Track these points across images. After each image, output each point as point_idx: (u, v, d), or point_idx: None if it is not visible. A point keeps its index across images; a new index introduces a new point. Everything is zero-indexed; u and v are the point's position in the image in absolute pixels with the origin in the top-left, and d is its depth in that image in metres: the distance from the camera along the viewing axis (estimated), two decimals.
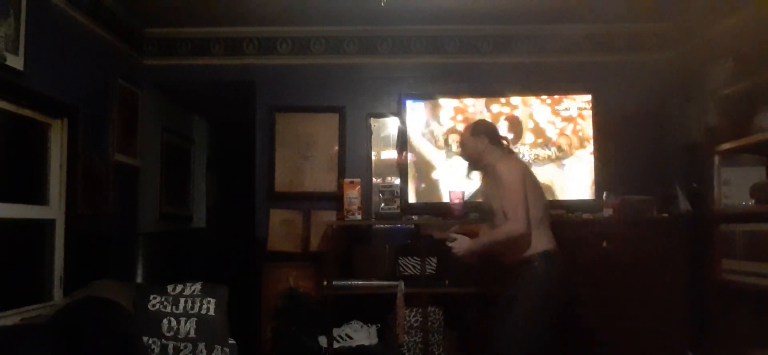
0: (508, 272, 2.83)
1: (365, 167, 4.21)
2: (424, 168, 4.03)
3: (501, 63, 4.25)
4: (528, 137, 3.99)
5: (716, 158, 3.26)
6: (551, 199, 3.70)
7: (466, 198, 3.64)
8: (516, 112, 4.02)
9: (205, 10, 3.90)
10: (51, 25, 3.10)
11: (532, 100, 4.01)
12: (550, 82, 4.11)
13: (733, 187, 3.18)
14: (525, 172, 2.85)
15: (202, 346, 3.07)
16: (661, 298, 3.51)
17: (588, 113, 3.99)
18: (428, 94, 4.09)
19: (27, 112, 2.99)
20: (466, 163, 3.13)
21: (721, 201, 3.22)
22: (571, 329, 3.39)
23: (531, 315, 2.68)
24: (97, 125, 3.63)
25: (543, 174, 3.81)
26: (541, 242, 2.74)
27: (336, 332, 3.69)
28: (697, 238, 3.49)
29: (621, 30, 4.17)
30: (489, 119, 3.68)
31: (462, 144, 3.07)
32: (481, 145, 2.93)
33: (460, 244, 2.91)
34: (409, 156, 4.02)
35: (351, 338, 3.69)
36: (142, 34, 4.24)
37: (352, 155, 4.23)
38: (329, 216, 4.11)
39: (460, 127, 3.83)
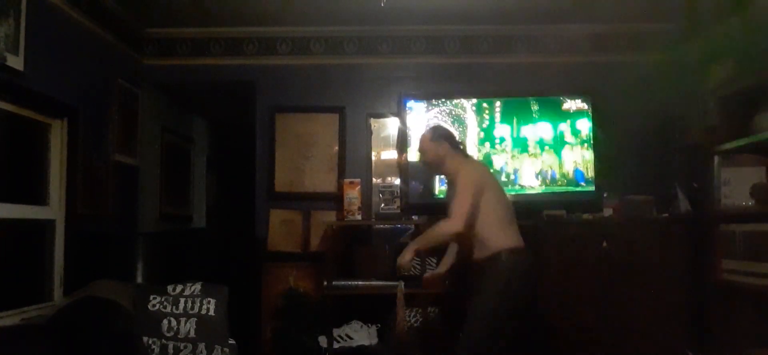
0: (475, 269, 2.84)
1: (365, 167, 4.21)
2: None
3: (501, 63, 4.25)
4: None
5: (716, 158, 3.26)
6: None
7: None
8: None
9: (205, 10, 3.90)
10: (51, 25, 3.10)
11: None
12: (550, 83, 4.11)
13: (733, 187, 3.18)
14: (484, 175, 2.89)
15: (202, 346, 3.07)
16: (661, 298, 3.51)
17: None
18: (428, 94, 4.08)
19: (27, 112, 2.99)
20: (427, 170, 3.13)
21: (721, 201, 3.22)
22: (569, 329, 3.41)
23: (491, 309, 2.70)
24: (97, 125, 3.63)
25: None
26: (506, 239, 2.77)
27: (336, 332, 3.69)
28: (697, 238, 3.49)
29: (621, 30, 4.17)
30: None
31: (422, 150, 3.08)
32: (442, 150, 2.98)
33: (402, 254, 2.90)
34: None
35: (351, 338, 3.69)
36: (142, 34, 4.23)
37: (352, 155, 4.23)
38: (329, 216, 4.11)
39: None
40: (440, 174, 3.05)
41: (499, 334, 2.68)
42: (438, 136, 3.03)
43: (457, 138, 3.12)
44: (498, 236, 2.77)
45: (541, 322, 3.35)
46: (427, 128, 3.20)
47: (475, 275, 2.82)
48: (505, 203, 2.90)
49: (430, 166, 3.11)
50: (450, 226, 2.75)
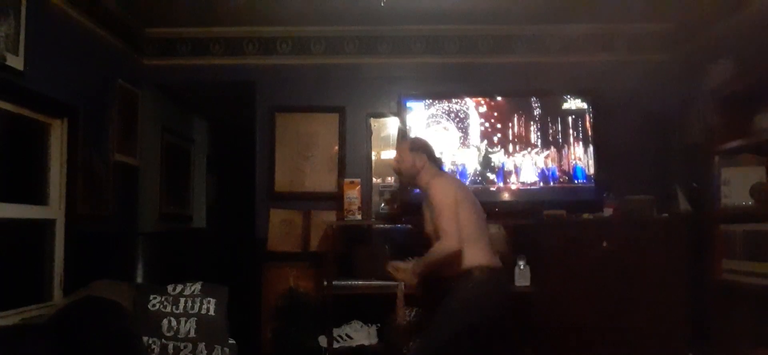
0: (446, 285, 2.82)
1: (365, 167, 4.21)
2: None
3: (501, 63, 4.25)
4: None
5: (716, 158, 3.26)
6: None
7: None
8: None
9: (205, 10, 3.90)
10: (51, 25, 3.10)
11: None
12: (550, 83, 4.11)
13: (733, 187, 3.17)
14: (458, 189, 2.86)
15: (202, 346, 3.07)
16: (661, 298, 3.51)
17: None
18: (428, 94, 4.08)
19: (27, 112, 2.99)
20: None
21: (721, 201, 3.22)
22: (569, 329, 3.41)
23: (452, 322, 2.69)
24: (97, 125, 3.63)
25: None
26: (477, 256, 2.75)
27: (336, 332, 3.69)
28: (697, 238, 3.49)
29: (621, 30, 4.17)
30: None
31: (399, 160, 3.06)
32: (420, 162, 2.97)
33: (404, 274, 2.90)
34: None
35: (351, 338, 3.69)
36: (142, 34, 4.24)
37: (352, 155, 4.23)
38: (329, 216, 4.11)
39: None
40: (414, 186, 3.04)
41: (454, 348, 2.67)
42: (416, 147, 3.02)
43: (436, 152, 3.12)
44: (468, 252, 2.74)
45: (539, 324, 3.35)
46: (405, 139, 3.17)
47: (446, 290, 2.79)
48: (477, 218, 2.87)
49: (404, 176, 3.10)
50: (447, 246, 2.71)
